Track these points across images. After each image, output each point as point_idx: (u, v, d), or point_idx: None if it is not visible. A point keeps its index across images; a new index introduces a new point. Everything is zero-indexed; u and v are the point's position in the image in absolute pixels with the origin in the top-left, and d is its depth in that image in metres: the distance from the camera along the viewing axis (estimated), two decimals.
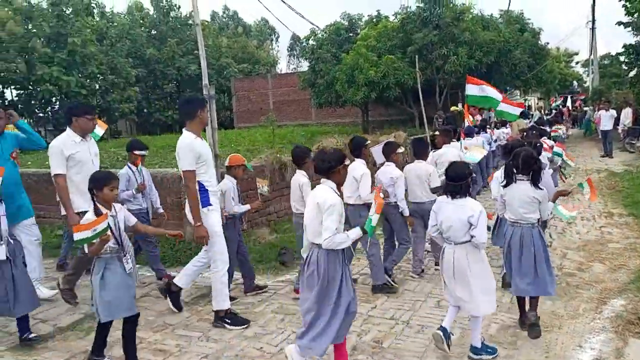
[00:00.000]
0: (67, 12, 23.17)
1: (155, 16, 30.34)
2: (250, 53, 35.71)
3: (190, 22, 30.64)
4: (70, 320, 4.59)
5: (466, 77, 8.77)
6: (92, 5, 25.81)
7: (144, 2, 31.80)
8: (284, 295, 5.07)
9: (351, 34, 19.17)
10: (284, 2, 8.84)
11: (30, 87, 22.51)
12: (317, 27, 16.51)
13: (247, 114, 27.60)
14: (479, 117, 10.76)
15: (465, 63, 15.76)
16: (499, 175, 4.72)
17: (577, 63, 46.32)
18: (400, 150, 5.40)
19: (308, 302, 3.27)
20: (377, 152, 5.67)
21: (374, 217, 3.33)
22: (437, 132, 8.72)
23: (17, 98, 24.09)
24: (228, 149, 11.83)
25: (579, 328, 4.06)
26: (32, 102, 23.65)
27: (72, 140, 4.47)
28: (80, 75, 22.85)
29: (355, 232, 3.26)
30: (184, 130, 4.30)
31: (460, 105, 15.63)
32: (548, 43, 21.09)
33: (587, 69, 34.66)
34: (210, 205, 4.25)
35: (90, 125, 4.62)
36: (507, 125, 12.44)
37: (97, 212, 3.36)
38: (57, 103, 23.94)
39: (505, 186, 3.97)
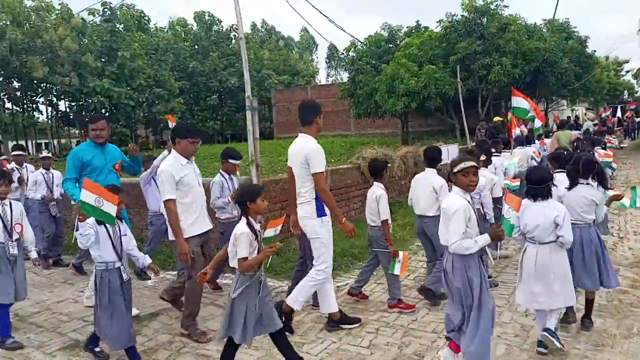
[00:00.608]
0: (119, 27, 24.33)
1: (197, 31, 31.33)
2: (291, 65, 36.29)
3: (232, 35, 31.52)
4: None
5: (512, 90, 8.65)
6: (144, 20, 26.96)
7: (187, 17, 33.02)
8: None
9: (391, 45, 19.14)
10: (325, 16, 8.94)
11: (82, 99, 23.64)
12: (357, 39, 16.54)
13: (287, 125, 27.95)
14: (524, 129, 10.51)
15: (510, 73, 15.43)
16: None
17: (627, 72, 44.43)
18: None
19: (453, 309, 3.33)
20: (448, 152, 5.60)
21: (512, 217, 3.56)
22: (474, 144, 8.57)
23: (69, 109, 25.36)
24: (268, 158, 12.05)
25: (633, 348, 3.86)
26: (83, 113, 24.83)
27: (179, 164, 4.22)
28: (128, 87, 23.83)
29: (484, 239, 3.18)
30: (302, 134, 4.29)
31: (505, 115, 15.27)
32: (595, 51, 20.38)
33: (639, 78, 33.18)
34: (325, 215, 4.23)
35: (192, 149, 4.33)
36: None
37: (250, 224, 3.34)
38: (107, 114, 25.05)
39: (569, 189, 4.19)
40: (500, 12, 16.63)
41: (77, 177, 4.83)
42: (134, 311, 4.80)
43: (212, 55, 29.35)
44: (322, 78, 50.50)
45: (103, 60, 23.72)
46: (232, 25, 32.16)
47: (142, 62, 24.37)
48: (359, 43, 19.11)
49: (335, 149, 13.12)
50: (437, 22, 17.01)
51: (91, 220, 3.60)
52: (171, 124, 6.32)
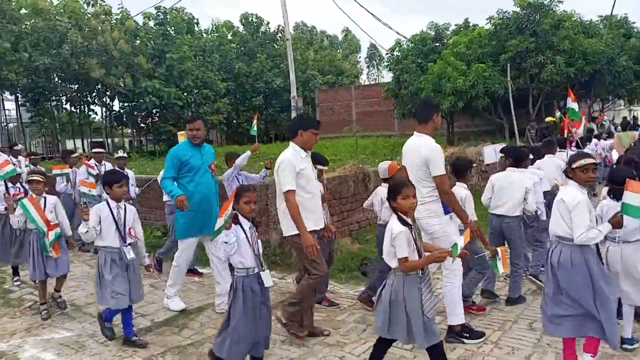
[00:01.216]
0: (170, 30, 25.17)
1: (244, 33, 31.88)
2: (337, 65, 36.33)
3: (278, 36, 31.92)
4: (166, 316, 4.91)
5: (568, 89, 8.32)
6: (193, 23, 27.75)
7: (232, 19, 33.70)
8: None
9: (437, 44, 18.80)
10: (372, 14, 8.87)
11: (134, 99, 24.58)
12: (404, 37, 16.34)
13: (330, 125, 27.96)
14: (578, 130, 10.06)
15: (564, 71, 14.82)
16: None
17: None
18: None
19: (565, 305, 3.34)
20: (489, 152, 5.49)
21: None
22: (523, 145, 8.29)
23: (122, 109, 26.45)
24: None
25: None
26: (135, 113, 25.82)
27: (299, 156, 4.08)
28: (177, 88, 24.59)
29: (607, 227, 3.32)
30: (418, 133, 4.10)
31: (558, 114, 14.64)
32: None
33: None
34: (450, 211, 4.05)
35: (313, 141, 4.21)
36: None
37: (404, 221, 3.20)
38: (157, 113, 25.95)
39: None
40: (554, 8, 16.00)
41: (174, 175, 4.86)
42: (181, 305, 5.03)
43: (260, 57, 29.80)
44: (363, 78, 50.32)
45: (154, 62, 24.58)
46: (279, 26, 32.55)
47: (190, 64, 25.08)
48: (405, 42, 18.89)
49: (379, 149, 13.02)
50: (487, 19, 16.55)
51: (234, 227, 3.37)
52: (254, 124, 6.64)
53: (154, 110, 25.70)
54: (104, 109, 27.14)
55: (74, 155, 8.18)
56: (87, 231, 4.06)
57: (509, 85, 11.85)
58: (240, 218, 3.41)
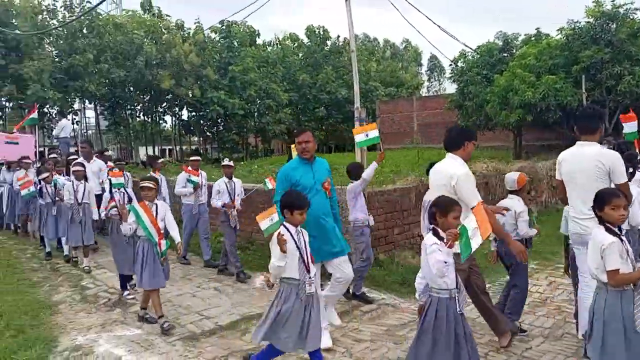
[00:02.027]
0: (235, 43, 26.11)
1: (311, 44, 32.42)
2: (397, 76, 36.11)
3: (344, 48, 32.22)
4: (229, 320, 5.04)
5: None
6: (255, 35, 28.63)
7: (296, 30, 34.37)
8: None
9: (505, 54, 18.20)
10: (437, 25, 8.77)
11: (201, 109, 25.63)
12: (470, 48, 15.96)
13: (391, 136, 27.76)
14: None
15: None
16: None
17: None
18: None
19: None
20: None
21: None
22: None
23: (190, 119, 27.65)
24: None
25: None
26: (202, 122, 26.90)
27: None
28: (240, 98, 25.39)
29: None
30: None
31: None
32: None
33: None
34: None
35: (472, 152, 4.06)
36: None
37: (613, 231, 3.01)
38: (222, 123, 26.91)
39: None
40: (631, 17, 15.04)
41: None
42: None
43: (327, 69, 30.21)
44: (424, 90, 49.61)
45: (219, 73, 25.55)
46: (345, 38, 32.89)
47: (253, 75, 25.85)
48: (470, 53, 18.46)
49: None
50: (558, 30, 15.83)
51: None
52: (373, 134, 5.85)
53: (218, 120, 26.64)
54: (174, 118, 28.49)
55: (159, 161, 8.26)
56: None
57: (583, 98, 11.24)
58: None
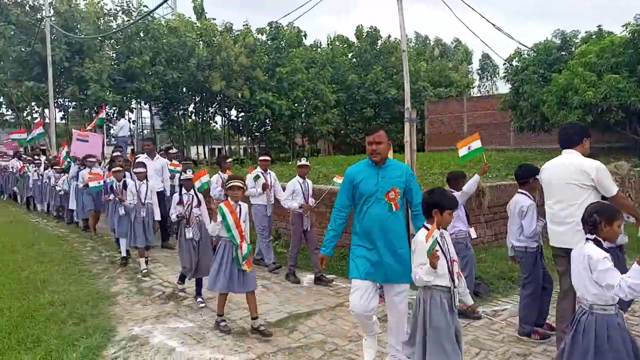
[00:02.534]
0: (282, 44, 26.44)
1: (362, 45, 32.35)
2: (447, 76, 35.38)
3: (395, 47, 31.93)
4: (277, 317, 5.10)
5: None
6: (302, 36, 28.87)
7: (345, 31, 34.32)
8: (479, 328, 4.79)
9: (564, 53, 17.41)
10: (492, 24, 8.52)
11: (249, 110, 26.13)
12: (526, 46, 15.39)
13: (439, 137, 27.26)
14: None
15: None
16: None
17: None
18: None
19: None
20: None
21: None
22: None
23: (239, 119, 28.25)
24: (419, 171, 11.85)
25: None
26: (250, 122, 27.42)
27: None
28: (288, 99, 25.67)
29: None
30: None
31: None
32: None
33: None
34: None
35: (588, 149, 4.00)
36: None
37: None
38: (270, 123, 27.31)
39: None
40: None
41: (348, 203, 3.77)
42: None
43: (375, 69, 30.07)
44: (474, 90, 48.27)
45: (269, 74, 25.96)
46: (395, 38, 32.57)
47: (301, 76, 26.07)
48: (525, 51, 17.77)
49: (494, 163, 12.36)
50: (623, 25, 14.93)
51: None
52: (475, 145, 5.89)
53: (266, 120, 27.07)
54: (223, 118, 29.19)
55: (228, 160, 7.99)
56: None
57: None
58: None
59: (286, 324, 4.92)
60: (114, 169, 7.68)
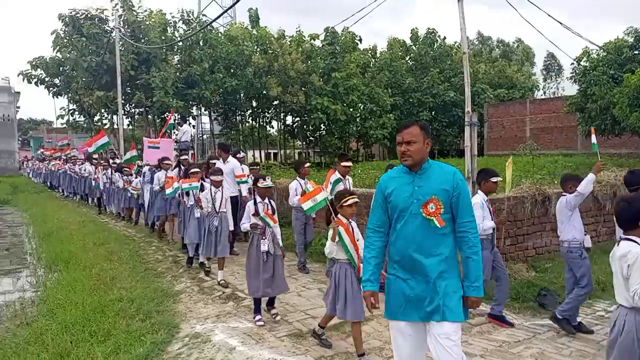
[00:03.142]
0: (338, 49, 26.56)
1: (420, 47, 31.92)
2: (508, 77, 34.14)
3: (453, 52, 31.29)
4: (334, 321, 5.07)
5: None
6: (357, 41, 28.84)
7: (405, 37, 33.92)
8: (544, 341, 4.58)
9: (637, 52, 16.35)
10: (560, 23, 8.14)
11: (305, 115, 26.42)
12: (596, 45, 14.56)
13: (499, 141, 26.39)
14: None
15: None
16: None
17: None
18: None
19: None
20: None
21: None
22: None
23: (293, 124, 28.64)
24: None
25: None
26: (304, 127, 27.72)
27: None
28: (343, 104, 25.73)
29: None
30: None
31: None
32: None
33: None
34: None
35: None
36: None
37: None
38: (325, 129, 27.48)
39: None
40: None
41: (383, 222, 3.01)
42: None
43: (433, 71, 29.61)
44: (539, 92, 46.24)
45: (324, 79, 26.15)
46: (456, 42, 31.92)
47: (357, 80, 26.06)
48: (595, 51, 16.85)
49: (559, 169, 11.78)
50: None
51: None
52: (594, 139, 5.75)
53: (321, 125, 27.27)
54: (279, 123, 29.74)
55: (306, 165, 7.57)
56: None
57: None
58: None
59: (343, 328, 4.90)
60: (192, 170, 7.37)
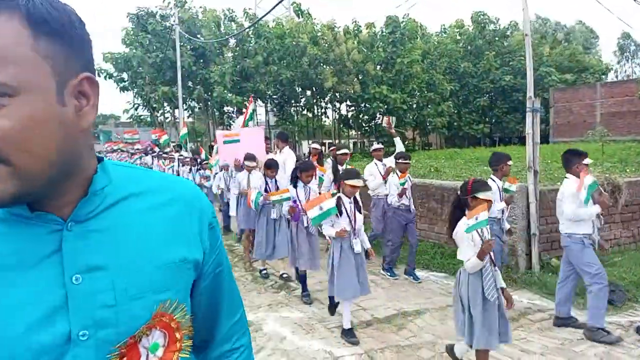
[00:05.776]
0: (399, 37, 26.07)
1: (472, 31, 30.75)
2: (578, 61, 32.08)
3: (509, 32, 29.86)
4: (385, 313, 5.04)
5: None
6: (421, 29, 28.14)
7: (465, 18, 32.65)
8: None
9: None
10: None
11: (361, 104, 26.21)
12: None
13: (566, 127, 24.92)
14: None
15: None
16: None
17: None
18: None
19: None
20: None
21: None
22: None
23: (349, 114, 28.53)
24: (543, 165, 10.91)
25: None
26: (360, 116, 27.50)
27: None
28: (402, 92, 25.27)
29: None
30: None
31: None
32: None
33: None
34: None
35: None
36: None
37: None
38: (380, 118, 27.16)
39: None
40: None
41: None
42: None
43: (488, 54, 28.42)
44: (611, 75, 43.12)
45: (383, 68, 25.78)
46: (511, 22, 30.36)
47: (418, 68, 25.50)
48: None
49: (632, 156, 10.95)
50: None
51: None
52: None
53: (377, 115, 26.95)
54: (334, 113, 29.73)
55: (509, 162, 6.28)
56: None
57: None
58: None
59: (395, 321, 4.84)
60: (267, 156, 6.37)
